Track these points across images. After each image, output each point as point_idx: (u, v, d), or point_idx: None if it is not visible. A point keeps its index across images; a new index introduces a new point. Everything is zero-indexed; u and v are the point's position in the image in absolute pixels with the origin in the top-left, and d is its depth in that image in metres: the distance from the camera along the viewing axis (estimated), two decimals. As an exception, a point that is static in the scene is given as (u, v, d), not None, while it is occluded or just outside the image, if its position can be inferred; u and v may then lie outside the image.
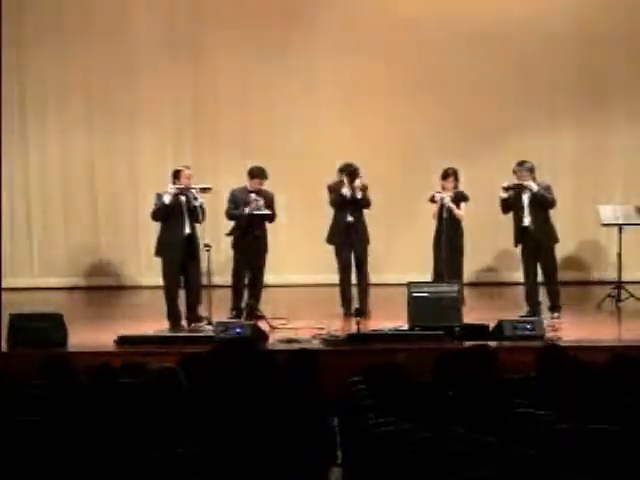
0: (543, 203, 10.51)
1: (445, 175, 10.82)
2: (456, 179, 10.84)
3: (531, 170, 10.57)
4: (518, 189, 10.50)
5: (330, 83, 13.41)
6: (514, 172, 10.61)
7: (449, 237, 10.67)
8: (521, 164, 10.61)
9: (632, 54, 13.37)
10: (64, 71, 13.51)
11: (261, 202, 10.68)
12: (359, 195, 10.81)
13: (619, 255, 11.52)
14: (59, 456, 5.08)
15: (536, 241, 10.52)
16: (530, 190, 10.46)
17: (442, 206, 10.68)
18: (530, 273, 10.63)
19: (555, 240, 10.69)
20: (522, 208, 10.52)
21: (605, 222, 11.73)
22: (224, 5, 13.54)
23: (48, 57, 13.48)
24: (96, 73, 13.55)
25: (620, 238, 11.56)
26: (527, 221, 10.51)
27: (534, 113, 13.43)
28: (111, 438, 5.20)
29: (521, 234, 10.59)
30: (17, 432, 5.27)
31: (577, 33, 13.35)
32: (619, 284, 11.37)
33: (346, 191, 10.83)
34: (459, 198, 10.79)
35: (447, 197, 10.71)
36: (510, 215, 10.69)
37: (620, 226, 11.60)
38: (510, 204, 10.59)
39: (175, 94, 13.63)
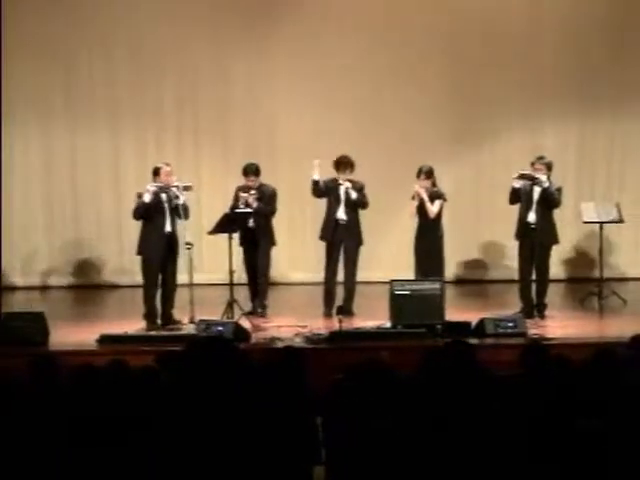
0: (550, 201, 10.44)
1: (418, 173, 10.71)
2: (428, 177, 10.71)
3: (548, 166, 10.54)
4: (531, 180, 10.43)
5: (314, 79, 13.34)
6: (531, 164, 10.60)
7: (429, 234, 10.66)
8: (540, 158, 10.62)
9: (617, 54, 13.38)
10: (45, 72, 13.41)
11: (251, 199, 10.65)
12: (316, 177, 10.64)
13: (600, 252, 11.57)
14: (46, 456, 5.07)
15: (537, 239, 10.46)
16: (541, 184, 10.40)
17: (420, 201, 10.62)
18: (526, 270, 10.60)
19: (555, 241, 10.69)
20: (531, 203, 10.47)
21: (587, 220, 11.74)
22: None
23: (30, 59, 13.36)
24: (77, 72, 13.49)
25: (601, 235, 11.59)
26: (532, 217, 10.46)
27: (519, 112, 13.42)
28: (97, 438, 5.19)
29: (524, 230, 10.56)
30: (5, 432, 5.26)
31: (562, 32, 13.35)
32: (600, 281, 11.41)
33: (316, 176, 10.73)
34: (434, 196, 10.68)
35: (423, 190, 10.65)
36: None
37: (601, 224, 11.63)
38: (519, 196, 10.54)
39: (157, 92, 13.58)
